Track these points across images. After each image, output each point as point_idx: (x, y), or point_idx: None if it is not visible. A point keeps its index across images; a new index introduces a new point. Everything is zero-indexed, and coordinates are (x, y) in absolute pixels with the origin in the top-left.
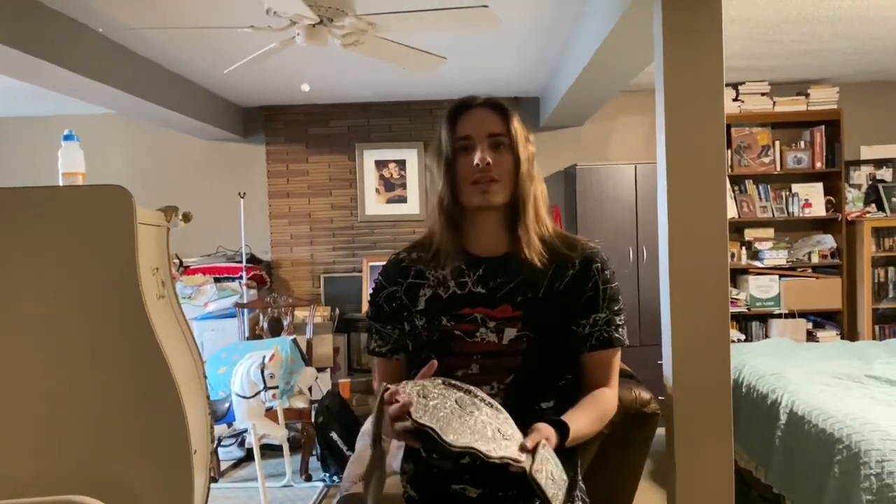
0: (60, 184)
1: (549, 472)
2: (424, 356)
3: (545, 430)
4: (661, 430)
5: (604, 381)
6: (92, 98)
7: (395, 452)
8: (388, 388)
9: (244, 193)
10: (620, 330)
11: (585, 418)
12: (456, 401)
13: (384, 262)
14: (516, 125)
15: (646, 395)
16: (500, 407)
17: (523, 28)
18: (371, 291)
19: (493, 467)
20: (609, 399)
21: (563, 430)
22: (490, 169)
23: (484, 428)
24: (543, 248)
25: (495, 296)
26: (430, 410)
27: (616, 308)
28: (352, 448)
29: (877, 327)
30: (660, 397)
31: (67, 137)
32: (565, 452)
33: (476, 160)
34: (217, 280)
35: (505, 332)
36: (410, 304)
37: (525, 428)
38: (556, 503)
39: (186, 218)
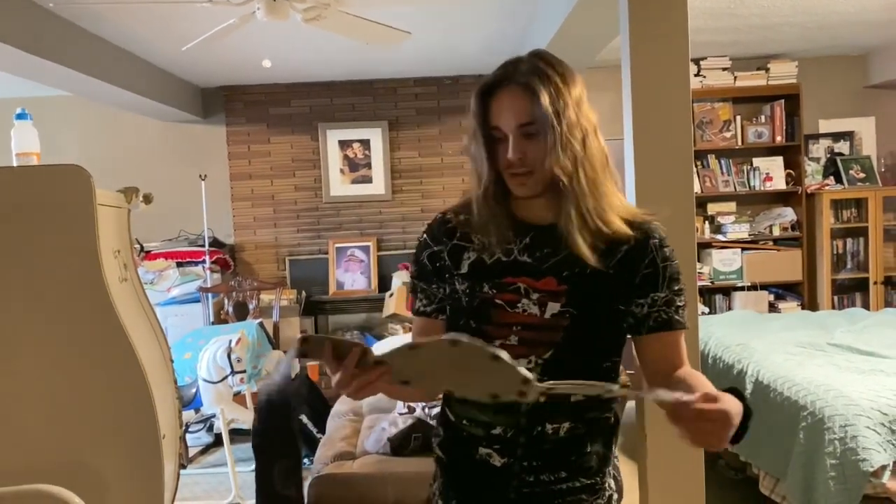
0: (14, 164)
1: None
2: (462, 322)
3: (728, 401)
4: (630, 404)
5: (678, 363)
6: (43, 78)
7: (367, 434)
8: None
9: (205, 175)
10: (681, 312)
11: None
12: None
13: (352, 243)
14: (547, 103)
15: None
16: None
17: (487, 2)
18: (414, 251)
19: (526, 439)
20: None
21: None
22: (524, 163)
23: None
24: (600, 223)
25: (541, 267)
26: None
27: (676, 288)
28: (322, 431)
29: (836, 297)
30: (629, 371)
31: (20, 116)
32: (608, 428)
33: (509, 155)
34: (179, 265)
35: (548, 307)
36: (453, 267)
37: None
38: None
39: (147, 200)
